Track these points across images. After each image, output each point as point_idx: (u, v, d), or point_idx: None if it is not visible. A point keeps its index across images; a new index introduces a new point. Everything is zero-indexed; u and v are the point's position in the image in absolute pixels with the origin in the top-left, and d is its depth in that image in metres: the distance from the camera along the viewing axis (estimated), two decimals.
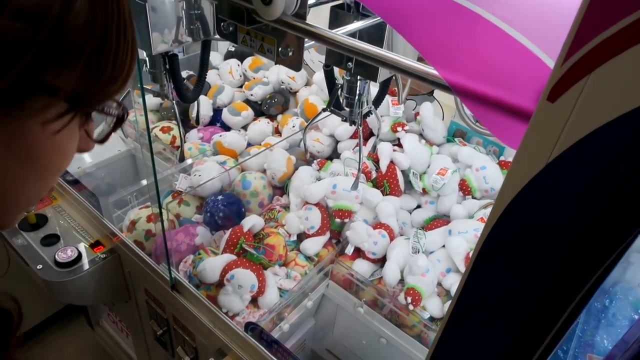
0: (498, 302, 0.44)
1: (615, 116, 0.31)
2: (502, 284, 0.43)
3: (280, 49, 0.59)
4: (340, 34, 0.52)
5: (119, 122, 0.39)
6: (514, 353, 0.45)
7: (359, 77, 0.82)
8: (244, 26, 0.58)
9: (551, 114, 0.34)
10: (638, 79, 0.29)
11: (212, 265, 1.01)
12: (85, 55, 0.31)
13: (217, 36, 0.95)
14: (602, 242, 0.36)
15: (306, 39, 0.57)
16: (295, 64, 0.60)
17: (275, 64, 0.82)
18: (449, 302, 1.02)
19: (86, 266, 1.14)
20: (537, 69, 0.38)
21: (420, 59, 0.51)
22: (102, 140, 0.40)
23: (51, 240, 1.18)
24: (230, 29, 0.63)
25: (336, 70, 0.91)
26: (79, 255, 1.14)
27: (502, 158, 1.29)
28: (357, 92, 0.85)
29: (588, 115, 0.32)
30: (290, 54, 0.59)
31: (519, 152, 0.37)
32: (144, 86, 0.84)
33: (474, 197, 1.22)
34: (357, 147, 1.35)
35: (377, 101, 0.96)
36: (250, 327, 0.92)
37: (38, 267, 1.11)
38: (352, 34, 0.65)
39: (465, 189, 1.22)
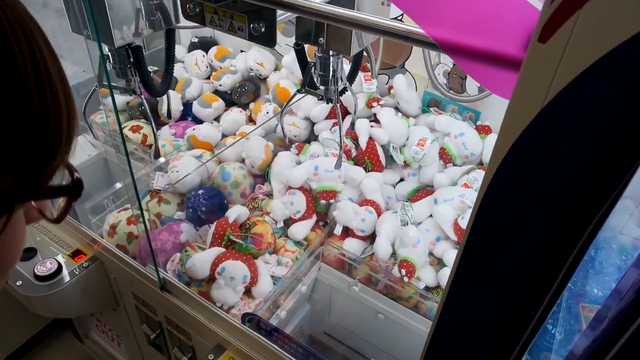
0: (496, 267, 0.44)
1: (609, 49, 0.30)
2: (500, 247, 0.42)
3: (251, 25, 0.57)
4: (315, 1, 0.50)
5: (77, 192, 0.32)
6: (514, 316, 0.45)
7: (331, 53, 0.80)
8: (212, 4, 0.55)
9: (543, 55, 0.33)
10: (627, 10, 0.29)
11: (202, 260, 0.99)
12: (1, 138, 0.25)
13: (180, 24, 0.92)
14: (600, 183, 0.36)
15: (278, 12, 0.55)
16: (269, 39, 0.58)
17: (244, 50, 0.79)
18: (442, 270, 1.03)
19: (68, 277, 1.10)
20: (525, 13, 0.37)
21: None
22: (59, 218, 0.33)
23: (28, 254, 1.13)
24: (197, 10, 0.60)
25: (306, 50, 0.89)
26: (59, 267, 1.10)
27: (479, 123, 1.29)
28: (331, 68, 0.83)
29: (582, 52, 0.31)
30: (263, 29, 0.57)
31: (512, 99, 0.36)
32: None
33: (455, 164, 1.23)
34: (335, 128, 1.34)
35: (351, 77, 0.94)
36: (248, 317, 0.90)
37: (18, 284, 1.07)
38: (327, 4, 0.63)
39: (445, 157, 1.22)
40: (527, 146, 0.37)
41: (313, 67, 0.84)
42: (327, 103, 0.89)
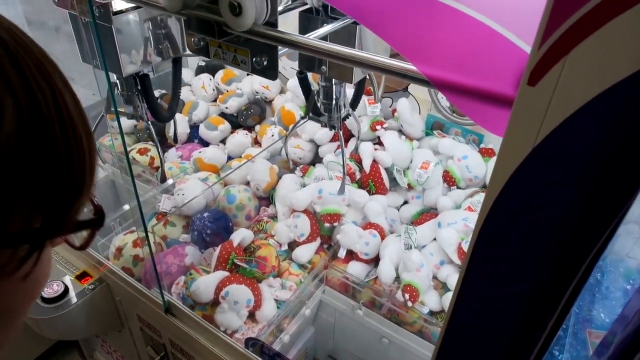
0: (498, 292, 0.44)
1: (596, 93, 0.31)
2: (500, 274, 0.43)
3: (254, 59, 0.59)
4: (313, 38, 0.51)
5: (100, 223, 0.33)
6: (518, 340, 0.46)
7: (334, 81, 0.82)
8: (215, 39, 0.57)
9: (533, 98, 0.34)
10: (615, 56, 0.30)
11: (206, 283, 0.99)
12: (29, 184, 0.26)
13: (187, 52, 0.94)
14: (594, 218, 0.36)
15: (280, 47, 0.57)
16: (271, 72, 0.59)
17: (250, 73, 0.81)
18: (447, 294, 1.02)
19: (74, 299, 1.11)
20: (513, 54, 0.38)
21: (392, 56, 0.51)
22: (84, 246, 0.35)
23: None
24: (202, 43, 0.62)
25: (310, 76, 0.91)
26: (66, 289, 1.11)
27: (482, 145, 1.30)
28: (334, 96, 0.85)
29: (569, 95, 0.32)
30: (265, 63, 0.59)
31: (505, 139, 0.37)
32: (118, 109, 0.83)
33: (458, 187, 1.23)
34: (339, 150, 1.35)
35: (354, 102, 0.96)
36: (251, 342, 0.90)
37: None
38: (324, 38, 0.65)
39: (449, 180, 1.23)
40: (521, 182, 0.37)
41: (316, 95, 0.86)
42: (330, 130, 0.90)
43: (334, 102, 0.84)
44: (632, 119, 0.31)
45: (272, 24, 0.55)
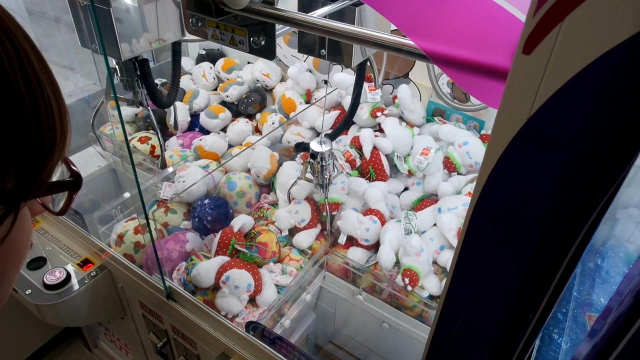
0: (491, 274, 0.44)
1: (592, 59, 0.31)
2: (495, 253, 0.43)
3: (252, 39, 0.59)
4: (310, 15, 0.51)
5: (76, 185, 0.34)
6: (512, 322, 0.46)
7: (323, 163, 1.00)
8: (213, 19, 0.57)
9: (528, 66, 0.34)
10: (608, 22, 0.30)
11: (206, 268, 1.00)
12: None
13: (186, 37, 0.94)
14: (589, 190, 0.36)
15: (277, 26, 0.56)
16: (269, 52, 0.59)
17: (251, 62, 0.81)
18: (447, 279, 1.03)
19: (77, 286, 1.11)
20: (512, 25, 0.38)
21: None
22: (62, 211, 0.35)
23: (38, 263, 1.16)
24: (199, 24, 0.62)
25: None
26: (68, 276, 1.12)
27: (483, 132, 1.30)
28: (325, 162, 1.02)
29: (565, 63, 0.32)
30: (262, 43, 0.59)
31: (500, 109, 0.37)
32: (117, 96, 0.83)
33: (459, 173, 1.23)
34: (339, 138, 1.35)
35: (357, 87, 0.96)
36: (252, 326, 0.91)
37: (27, 292, 1.09)
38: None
39: (449, 166, 1.22)
40: (515, 155, 0.37)
41: (309, 165, 0.97)
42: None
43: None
44: (628, 85, 0.31)
45: (269, 2, 0.55)
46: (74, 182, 0.33)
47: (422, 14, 0.43)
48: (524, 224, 0.40)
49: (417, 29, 0.42)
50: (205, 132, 1.52)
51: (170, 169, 1.31)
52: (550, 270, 0.41)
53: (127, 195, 1.29)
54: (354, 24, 0.72)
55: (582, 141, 0.34)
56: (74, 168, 0.34)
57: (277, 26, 0.57)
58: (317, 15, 0.57)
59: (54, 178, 0.33)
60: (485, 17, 0.40)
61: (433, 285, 1.02)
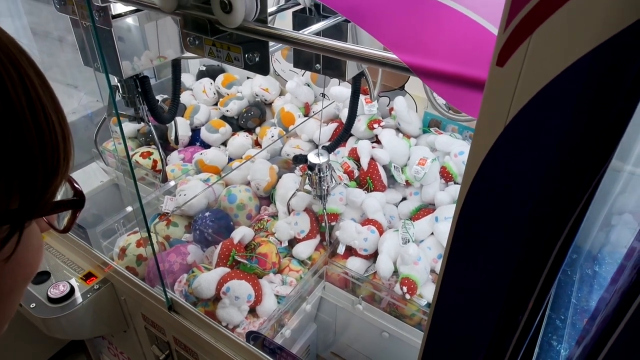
0: (478, 278, 0.45)
1: (561, 69, 0.33)
2: (480, 256, 0.44)
3: (246, 55, 0.61)
4: (301, 32, 0.54)
5: (80, 204, 0.35)
6: (501, 324, 0.47)
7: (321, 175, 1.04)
8: (209, 37, 0.59)
9: (502, 78, 0.36)
10: (573, 34, 0.32)
11: (207, 280, 1.02)
12: (2, 165, 0.27)
13: (186, 54, 0.97)
14: (567, 192, 0.38)
15: (271, 43, 0.59)
16: (263, 68, 0.62)
17: (250, 77, 0.84)
18: None
19: (80, 299, 1.13)
20: (489, 40, 0.40)
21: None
22: (66, 229, 0.36)
23: (42, 277, 1.17)
24: (197, 42, 0.65)
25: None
26: (72, 289, 1.13)
27: None
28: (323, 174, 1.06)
29: (535, 73, 0.34)
30: (257, 59, 0.61)
31: (479, 120, 0.39)
32: (119, 112, 0.85)
33: (456, 183, 1.25)
34: (337, 150, 1.37)
35: (353, 99, 0.98)
36: (252, 336, 0.92)
37: (32, 306, 1.10)
38: (316, 35, 0.67)
39: (446, 175, 1.24)
40: (495, 162, 0.39)
41: (308, 177, 0.99)
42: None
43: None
44: (597, 92, 0.33)
45: (263, 20, 0.57)
46: (77, 201, 0.35)
47: (406, 31, 0.45)
48: (507, 227, 0.42)
49: (401, 45, 0.44)
50: (206, 146, 1.55)
51: (171, 183, 1.34)
52: (535, 270, 0.42)
53: (129, 209, 1.31)
54: (346, 40, 0.74)
55: (557, 147, 0.36)
56: (77, 187, 0.35)
57: (271, 43, 0.60)
58: (308, 33, 0.60)
59: (58, 197, 0.34)
60: (463, 32, 0.42)
61: (431, 293, 1.03)
